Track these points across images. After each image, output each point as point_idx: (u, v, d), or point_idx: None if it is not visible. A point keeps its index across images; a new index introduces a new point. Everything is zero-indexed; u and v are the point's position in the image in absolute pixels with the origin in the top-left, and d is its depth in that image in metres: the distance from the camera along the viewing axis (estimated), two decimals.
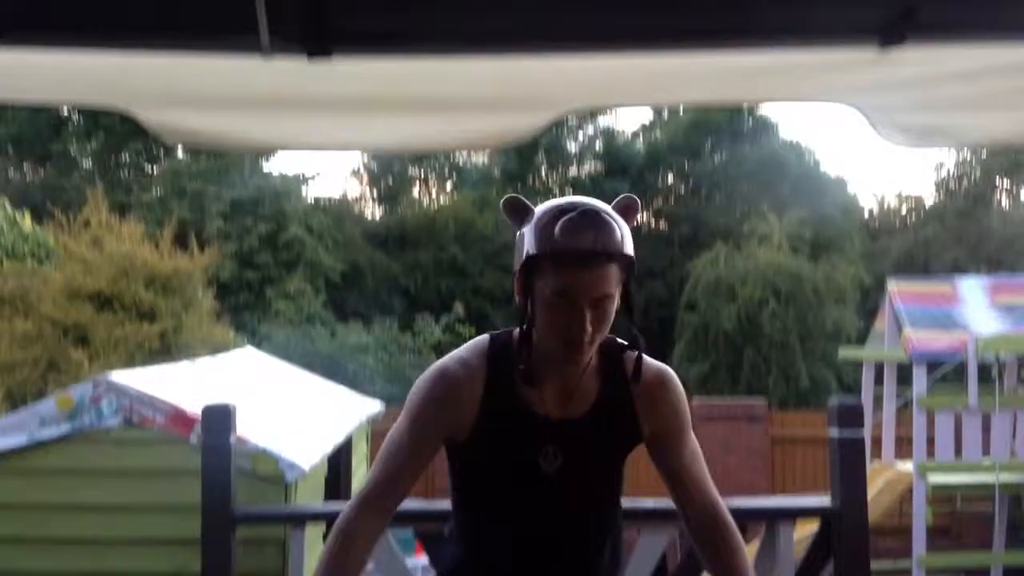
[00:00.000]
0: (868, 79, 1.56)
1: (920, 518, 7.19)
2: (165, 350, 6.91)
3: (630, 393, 1.68)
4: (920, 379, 7.30)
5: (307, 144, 1.77)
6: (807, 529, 3.88)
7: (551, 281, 1.55)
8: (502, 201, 1.64)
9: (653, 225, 19.26)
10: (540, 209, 1.60)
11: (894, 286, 8.09)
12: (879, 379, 8.64)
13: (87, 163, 18.32)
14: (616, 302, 1.59)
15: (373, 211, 21.32)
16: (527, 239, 1.58)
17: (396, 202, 20.82)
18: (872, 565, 3.47)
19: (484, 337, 1.72)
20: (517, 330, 1.66)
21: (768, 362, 13.02)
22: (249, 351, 5.18)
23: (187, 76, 1.56)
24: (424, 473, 1.74)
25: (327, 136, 1.74)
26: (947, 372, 7.43)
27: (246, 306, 14.14)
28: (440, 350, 10.60)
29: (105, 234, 7.05)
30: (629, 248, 1.57)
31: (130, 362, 6.33)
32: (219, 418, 2.89)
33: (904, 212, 19.02)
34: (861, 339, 9.69)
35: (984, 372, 7.53)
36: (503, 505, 1.71)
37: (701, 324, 13.70)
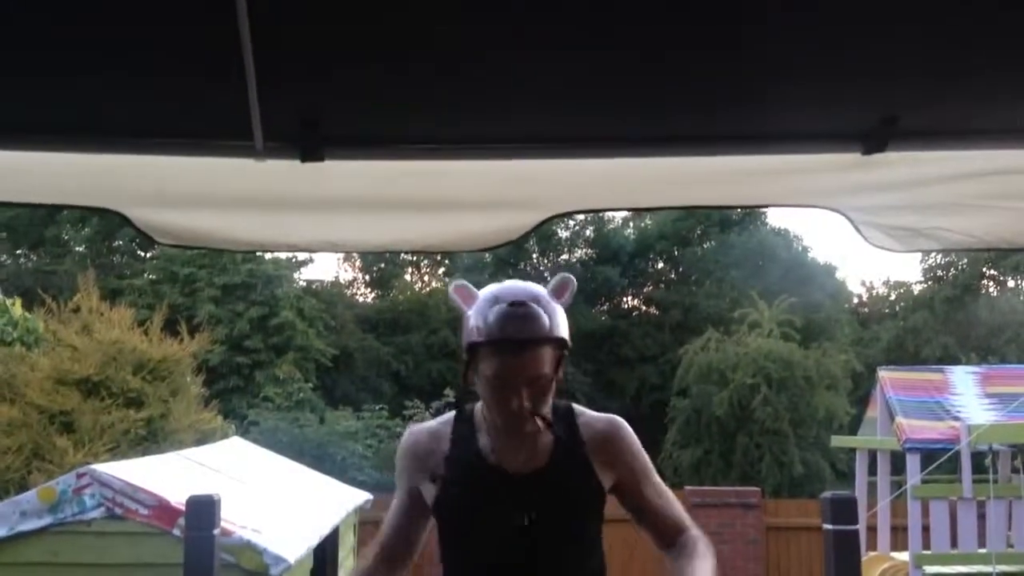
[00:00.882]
0: (851, 183, 1.60)
1: None
2: (151, 437, 6.83)
3: (583, 450, 1.79)
4: (914, 469, 7.25)
5: (299, 245, 1.79)
6: None
7: (489, 365, 1.70)
8: (450, 287, 1.80)
9: (644, 310, 19.34)
10: (481, 295, 1.75)
11: (885, 374, 8.10)
12: (873, 466, 8.58)
13: (80, 248, 18.42)
14: (552, 378, 1.74)
15: (365, 295, 21.40)
16: (470, 324, 1.73)
17: (388, 286, 20.92)
18: None
19: (450, 412, 1.89)
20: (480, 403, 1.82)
21: (761, 448, 12.93)
22: (236, 442, 5.13)
23: (179, 177, 1.58)
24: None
25: (319, 237, 1.77)
26: (944, 461, 7.38)
27: (235, 391, 14.05)
28: None
29: (95, 320, 7.02)
30: (560, 330, 1.72)
31: (115, 449, 6.26)
32: (203, 509, 2.85)
33: (893, 298, 19.16)
34: (853, 426, 9.65)
35: (978, 461, 7.49)
36: (478, 558, 1.80)
37: (693, 410, 13.66)
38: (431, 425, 1.88)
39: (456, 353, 17.22)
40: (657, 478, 1.87)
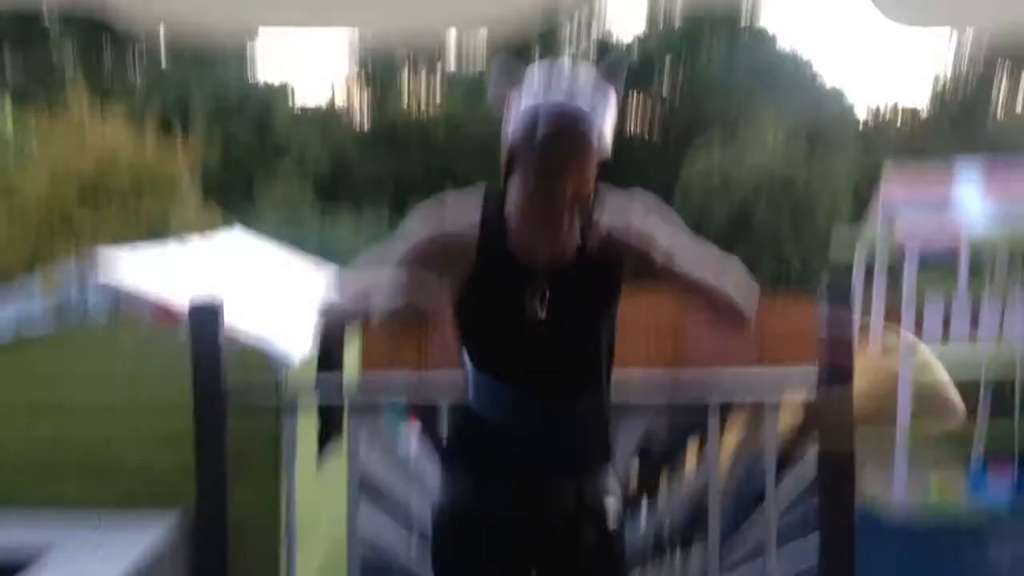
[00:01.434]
0: None
1: (906, 389, 7.28)
2: (153, 239, 6.87)
3: (608, 228, 1.73)
4: (911, 269, 7.31)
5: (293, 19, 1.66)
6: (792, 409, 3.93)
7: (527, 180, 1.68)
8: (495, 60, 1.73)
9: (647, 132, 19.11)
10: (526, 86, 1.66)
11: (889, 174, 8.03)
12: (870, 272, 8.65)
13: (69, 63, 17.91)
14: (592, 186, 1.70)
15: (361, 119, 21.04)
16: (511, 123, 1.67)
17: (385, 110, 20.50)
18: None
19: (479, 188, 1.83)
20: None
21: (760, 260, 13.07)
22: (237, 233, 5.11)
23: None
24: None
25: (315, 10, 1.65)
26: (943, 259, 7.43)
27: (232, 210, 14.07)
28: None
29: (87, 121, 6.92)
30: (606, 145, 1.67)
31: None
32: (206, 315, 2.86)
33: (899, 124, 18.80)
34: (855, 226, 9.67)
35: (976, 260, 7.54)
36: (497, 352, 1.82)
37: (693, 225, 13.67)
38: (455, 204, 1.83)
39: (456, 177, 17.13)
40: (693, 237, 1.86)
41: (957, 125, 16.90)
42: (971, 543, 6.64)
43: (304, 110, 17.48)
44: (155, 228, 6.86)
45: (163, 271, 3.41)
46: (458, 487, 1.87)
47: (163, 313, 3.04)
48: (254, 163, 15.01)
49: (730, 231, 13.18)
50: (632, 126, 19.44)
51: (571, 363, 1.82)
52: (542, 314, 1.75)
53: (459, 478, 1.86)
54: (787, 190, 13.12)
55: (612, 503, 1.87)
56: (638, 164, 17.38)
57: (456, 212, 1.81)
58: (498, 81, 1.70)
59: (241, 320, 3.10)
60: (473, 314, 1.82)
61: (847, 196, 13.91)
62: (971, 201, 7.65)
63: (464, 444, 1.89)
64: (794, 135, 14.47)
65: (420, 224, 1.83)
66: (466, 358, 1.87)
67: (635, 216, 1.77)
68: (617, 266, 1.80)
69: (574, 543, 1.83)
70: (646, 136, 19.00)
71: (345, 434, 4.27)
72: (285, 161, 15.12)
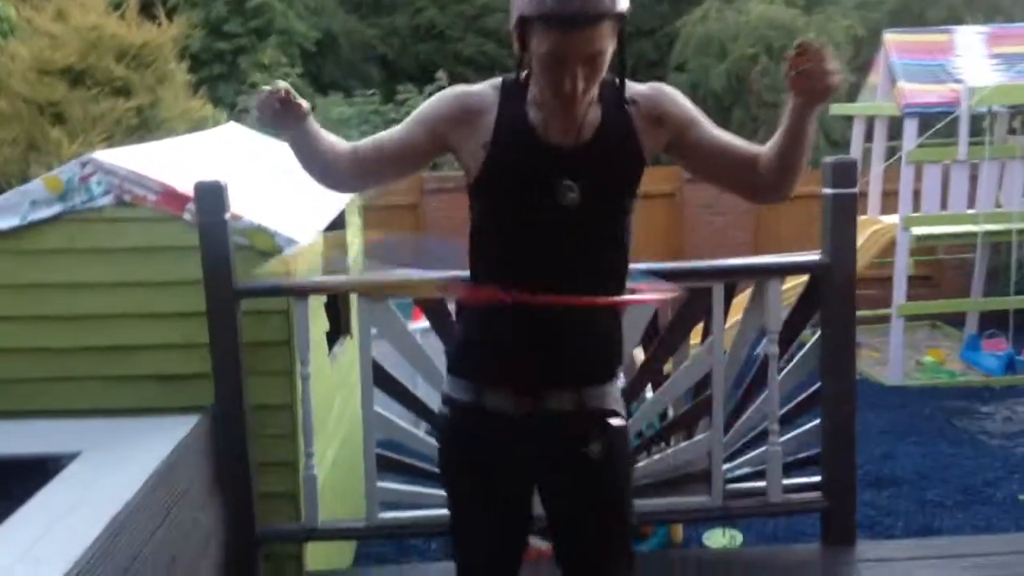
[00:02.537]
0: None
1: (902, 269, 7.40)
2: (144, 125, 6.74)
3: (629, 117, 1.78)
4: (911, 133, 7.27)
5: None
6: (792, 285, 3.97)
7: (543, 42, 1.61)
8: None
9: None
10: None
11: (890, 37, 7.87)
12: (870, 134, 8.59)
13: None
14: (609, 53, 1.66)
15: None
16: None
17: None
18: None
19: (496, 78, 1.82)
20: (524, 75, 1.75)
21: (756, 121, 12.84)
22: (233, 127, 5.05)
23: None
24: (412, 167, 1.91)
25: None
26: (942, 124, 7.37)
27: (219, 78, 13.69)
28: None
29: (69, 4, 6.68)
30: (621, 3, 1.61)
31: (110, 139, 6.20)
32: (212, 195, 2.88)
33: None
34: (852, 94, 9.52)
35: (975, 125, 7.49)
36: (520, 237, 1.77)
37: (690, 85, 13.36)
38: (479, 87, 1.81)
39: (444, 35, 16.66)
40: (716, 127, 1.87)
41: None
42: (963, 405, 6.87)
43: None
44: (144, 110, 6.73)
45: (164, 161, 3.38)
46: (460, 390, 1.88)
47: (168, 196, 3.05)
48: (239, 34, 14.57)
49: (729, 95, 12.95)
50: None
51: (590, 248, 1.78)
52: (571, 197, 1.72)
53: (463, 385, 1.87)
54: (785, 48, 12.82)
55: (616, 420, 1.87)
56: (635, 12, 16.97)
57: (476, 89, 1.80)
58: None
59: (245, 205, 3.11)
60: (495, 190, 1.78)
61: (847, 49, 13.58)
62: (972, 63, 7.54)
63: (469, 353, 1.89)
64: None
65: (437, 99, 1.83)
66: (476, 254, 1.85)
67: (662, 105, 1.81)
68: (638, 142, 1.78)
69: (575, 456, 1.84)
70: (642, 2, 18.43)
71: (355, 321, 4.35)
72: (270, 32, 14.67)
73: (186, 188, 3.06)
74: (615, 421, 1.86)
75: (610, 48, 1.65)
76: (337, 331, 4.07)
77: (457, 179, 8.90)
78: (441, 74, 11.07)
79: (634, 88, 1.81)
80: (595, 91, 1.70)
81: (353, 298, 4.24)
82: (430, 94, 10.82)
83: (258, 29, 14.63)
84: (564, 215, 1.73)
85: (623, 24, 1.66)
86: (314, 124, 1.82)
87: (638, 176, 1.80)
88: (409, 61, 16.52)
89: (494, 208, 1.79)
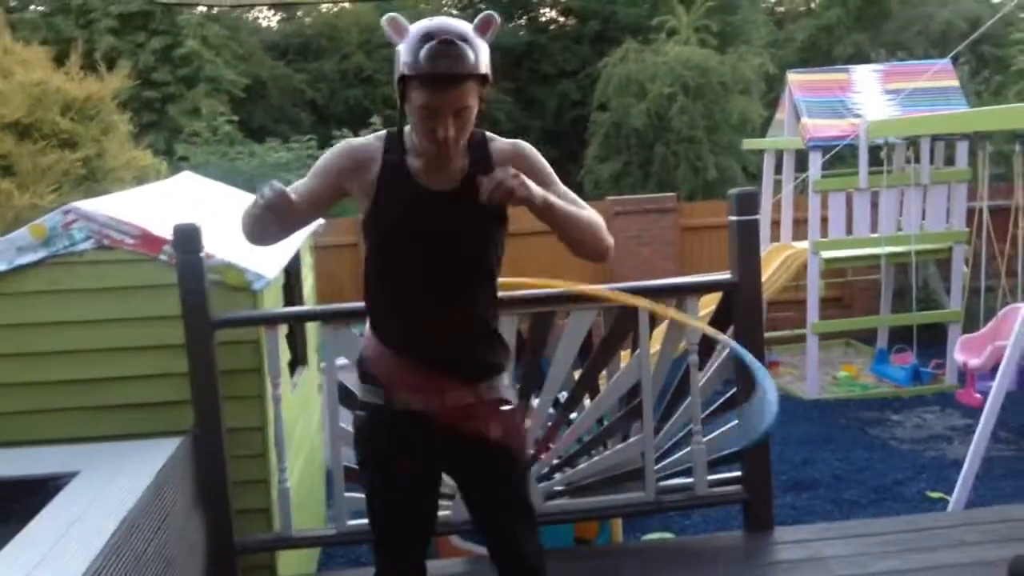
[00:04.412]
0: None
1: (814, 290, 7.96)
2: (91, 176, 6.95)
3: (492, 166, 2.09)
4: (815, 164, 7.87)
5: None
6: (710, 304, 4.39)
7: (419, 97, 1.97)
8: (383, 19, 2.03)
9: (562, 23, 19.08)
10: (412, 29, 1.98)
11: (793, 77, 8.52)
12: (780, 166, 9.21)
13: None
14: (475, 108, 2.02)
15: (269, 19, 20.52)
16: (401, 57, 1.97)
17: (294, 9, 20.01)
18: (771, 334, 3.99)
19: (382, 131, 2.21)
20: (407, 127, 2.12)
21: (677, 156, 13.45)
22: (188, 175, 5.33)
23: None
24: (320, 211, 2.21)
25: None
26: (844, 156, 7.98)
27: (150, 126, 13.83)
28: None
29: (13, 63, 6.89)
30: (483, 66, 1.97)
31: (59, 190, 6.42)
32: (188, 235, 3.18)
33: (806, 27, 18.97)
34: (765, 128, 10.16)
35: (875, 155, 8.12)
36: (403, 264, 2.13)
37: (612, 123, 13.96)
38: (364, 140, 2.18)
39: (372, 79, 17.02)
40: (564, 187, 2.22)
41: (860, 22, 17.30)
42: (875, 415, 7.40)
43: (210, 10, 16.93)
44: (91, 161, 6.94)
45: (138, 207, 3.67)
46: (371, 395, 2.21)
47: (144, 239, 3.33)
48: (168, 83, 14.73)
49: (650, 132, 13.49)
50: (548, 13, 19.38)
51: (464, 276, 2.14)
52: (446, 232, 2.08)
53: (371, 389, 2.21)
54: (701, 92, 13.44)
55: (507, 407, 2.22)
56: (558, 54, 17.53)
57: (363, 142, 2.16)
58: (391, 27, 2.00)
59: (216, 245, 3.40)
60: (380, 227, 2.12)
61: (759, 85, 14.28)
62: (869, 98, 8.19)
63: (377, 364, 2.20)
64: (706, 27, 14.72)
65: (332, 152, 2.18)
66: (370, 285, 2.19)
67: (519, 161, 2.14)
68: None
69: (478, 439, 2.18)
70: (561, 22, 19.00)
71: (311, 350, 4.64)
72: (198, 79, 14.85)
73: (161, 231, 3.37)
74: (506, 408, 2.24)
75: (475, 103, 2.01)
76: (295, 361, 4.37)
77: None
78: (375, 119, 11.42)
79: (498, 144, 2.17)
80: (464, 142, 2.06)
81: (312, 328, 4.56)
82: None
83: (186, 77, 14.83)
84: (439, 244, 2.09)
85: (485, 84, 2.02)
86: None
87: (501, 215, 2.16)
88: (339, 105, 16.84)
89: (382, 240, 2.14)
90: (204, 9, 16.52)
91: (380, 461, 2.22)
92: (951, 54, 8.24)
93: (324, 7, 20.31)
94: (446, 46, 1.92)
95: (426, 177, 2.10)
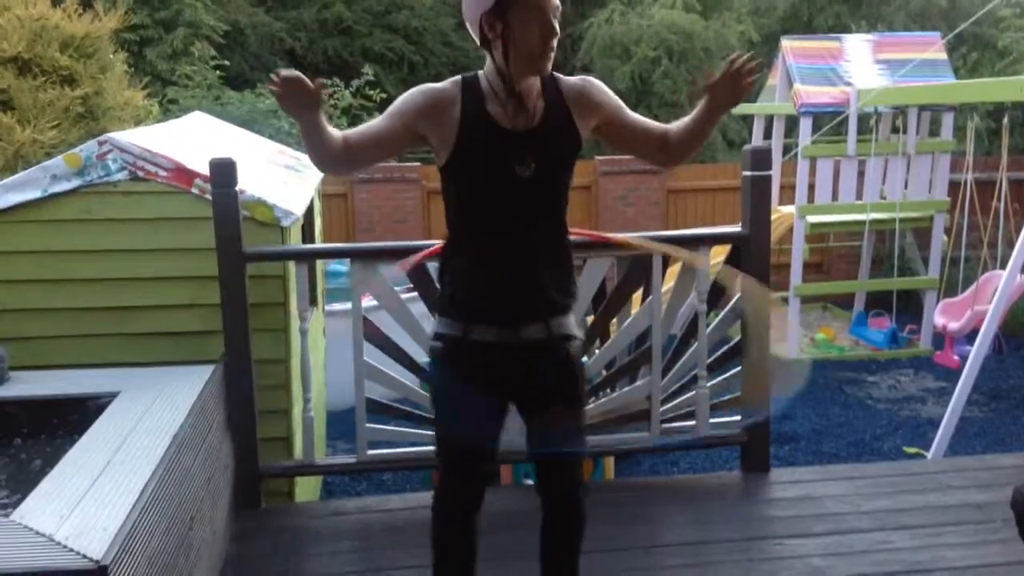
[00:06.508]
0: None
1: (798, 254, 8.16)
2: (89, 114, 6.95)
3: (565, 103, 2.24)
4: (806, 131, 8.03)
5: None
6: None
7: (527, 15, 2.10)
8: None
9: None
10: None
11: (787, 43, 8.64)
12: (769, 131, 9.36)
13: None
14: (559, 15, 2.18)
15: None
16: None
17: None
18: None
19: (457, 76, 2.27)
20: (481, 71, 2.23)
21: (660, 120, 13.53)
22: (200, 115, 5.38)
23: None
24: (387, 153, 2.28)
25: None
26: (832, 124, 8.15)
27: (127, 68, 13.66)
28: (352, 115, 10.70)
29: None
30: None
31: (59, 126, 6.42)
32: (224, 170, 3.27)
33: None
34: (751, 95, 10.27)
35: (863, 123, 8.30)
36: (487, 205, 2.22)
37: None
38: (442, 85, 2.24)
39: (351, 30, 16.83)
40: (635, 113, 2.37)
41: None
42: (852, 375, 7.64)
43: None
44: (89, 99, 6.92)
45: (169, 142, 3.74)
46: (450, 327, 2.31)
47: (177, 172, 3.41)
48: (147, 25, 14.52)
49: (633, 95, 13.56)
50: None
51: (544, 211, 2.25)
52: (527, 171, 2.18)
53: (450, 322, 2.31)
54: (684, 57, 13.51)
55: (575, 343, 2.36)
56: None
57: (441, 86, 2.23)
58: None
59: (245, 181, 3.47)
60: (467, 170, 2.20)
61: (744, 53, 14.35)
62: (860, 68, 8.34)
63: (455, 299, 2.30)
64: (691, 2, 14.77)
65: (410, 94, 2.23)
66: (454, 222, 2.28)
67: (591, 94, 2.30)
68: (575, 125, 2.25)
69: (543, 371, 2.31)
70: None
71: (321, 295, 4.74)
72: (177, 23, 14.65)
73: (194, 165, 3.45)
74: (575, 342, 2.37)
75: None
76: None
77: (384, 170, 9.30)
78: (367, 69, 11.39)
79: (568, 81, 2.28)
80: (538, 86, 2.17)
81: (320, 271, 4.65)
82: (358, 88, 11.23)
83: (165, 20, 14.62)
84: (521, 185, 2.19)
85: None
86: (322, 114, 2.17)
87: (576, 152, 2.28)
88: (317, 55, 16.65)
89: (466, 184, 2.22)
90: None
91: (454, 387, 2.31)
92: (948, 36, 8.36)
93: None
94: None
95: (507, 120, 2.19)
